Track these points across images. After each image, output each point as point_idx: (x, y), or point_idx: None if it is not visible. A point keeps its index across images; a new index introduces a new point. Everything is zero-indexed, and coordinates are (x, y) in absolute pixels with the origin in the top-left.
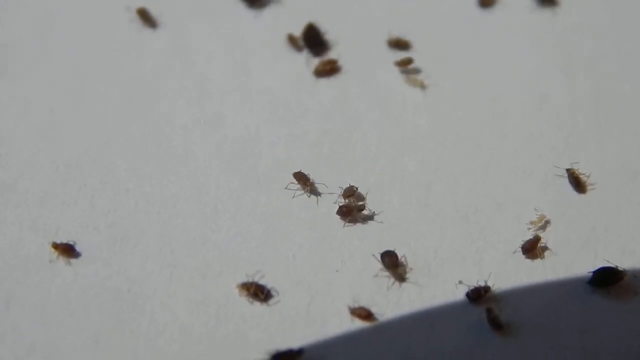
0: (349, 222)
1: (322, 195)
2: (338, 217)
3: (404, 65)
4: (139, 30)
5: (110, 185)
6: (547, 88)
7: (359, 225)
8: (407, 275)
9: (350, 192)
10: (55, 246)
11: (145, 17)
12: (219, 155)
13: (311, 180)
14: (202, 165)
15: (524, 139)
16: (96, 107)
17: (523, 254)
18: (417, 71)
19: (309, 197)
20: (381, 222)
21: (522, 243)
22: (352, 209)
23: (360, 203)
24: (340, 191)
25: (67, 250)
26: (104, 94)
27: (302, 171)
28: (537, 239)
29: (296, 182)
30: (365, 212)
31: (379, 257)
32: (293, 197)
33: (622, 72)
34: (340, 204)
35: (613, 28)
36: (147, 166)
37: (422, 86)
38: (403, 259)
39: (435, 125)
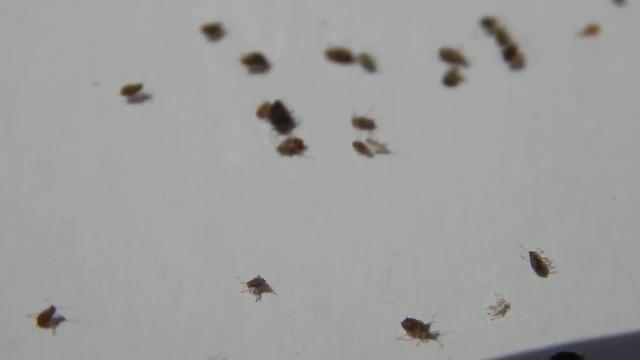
0: (411, 336)
1: None
2: (299, 300)
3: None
4: (106, 106)
5: (75, 265)
6: (510, 168)
7: (318, 307)
8: None
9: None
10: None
11: (130, 91)
12: (183, 234)
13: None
14: (166, 243)
15: (486, 221)
16: (61, 184)
17: None
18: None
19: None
20: (342, 304)
21: None
22: (417, 326)
23: (426, 323)
24: None
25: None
26: (69, 170)
27: (259, 278)
28: None
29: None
30: (431, 330)
31: None
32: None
33: (584, 151)
34: (409, 318)
35: (576, 107)
36: (112, 244)
37: (384, 149)
38: None
39: (397, 206)
